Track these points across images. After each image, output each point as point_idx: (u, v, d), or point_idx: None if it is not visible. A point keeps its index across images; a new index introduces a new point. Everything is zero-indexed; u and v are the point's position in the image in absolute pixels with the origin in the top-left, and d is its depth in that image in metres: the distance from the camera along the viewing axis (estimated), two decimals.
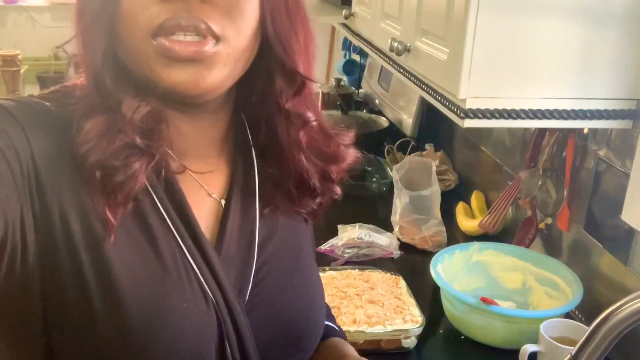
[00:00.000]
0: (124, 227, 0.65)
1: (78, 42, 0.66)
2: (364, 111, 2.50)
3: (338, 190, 0.81)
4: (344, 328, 1.08)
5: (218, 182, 0.75)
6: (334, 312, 1.15)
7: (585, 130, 1.25)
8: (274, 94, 0.71)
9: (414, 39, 1.19)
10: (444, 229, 1.61)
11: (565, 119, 1.01)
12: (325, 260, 1.50)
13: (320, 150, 0.77)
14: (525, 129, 1.50)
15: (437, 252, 1.34)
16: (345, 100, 2.44)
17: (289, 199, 0.77)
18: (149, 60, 0.62)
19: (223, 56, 0.64)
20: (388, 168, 2.00)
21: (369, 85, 2.79)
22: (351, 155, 0.80)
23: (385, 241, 1.57)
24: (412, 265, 1.51)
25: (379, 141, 2.24)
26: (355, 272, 1.37)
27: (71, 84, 0.69)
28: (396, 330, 1.17)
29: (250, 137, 0.78)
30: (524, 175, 1.43)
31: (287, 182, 0.76)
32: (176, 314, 0.65)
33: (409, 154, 2.07)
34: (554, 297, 1.26)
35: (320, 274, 1.26)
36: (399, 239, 1.60)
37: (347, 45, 3.04)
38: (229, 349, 0.69)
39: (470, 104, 0.98)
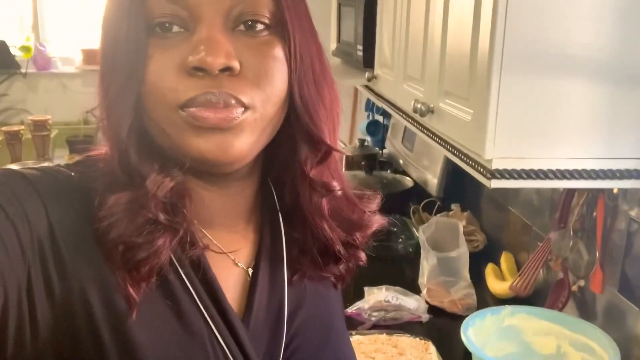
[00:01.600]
0: (149, 303, 0.63)
1: (102, 113, 0.65)
2: (388, 171, 2.50)
3: (363, 256, 0.79)
4: None
5: (245, 250, 0.73)
6: None
7: (615, 190, 1.22)
8: (299, 161, 0.71)
9: (437, 100, 1.19)
10: (473, 291, 1.58)
11: (593, 179, 0.99)
12: (352, 324, 1.47)
13: (344, 219, 0.75)
14: (554, 189, 1.48)
15: (467, 315, 1.30)
16: (369, 161, 2.44)
17: (315, 264, 0.75)
18: (178, 129, 0.62)
19: (251, 124, 0.63)
20: (414, 228, 1.98)
21: (393, 146, 2.80)
22: (376, 221, 0.78)
23: (413, 304, 1.54)
24: (441, 329, 1.48)
25: (404, 201, 2.23)
26: (383, 337, 1.34)
27: (95, 154, 0.69)
28: None
29: (277, 201, 0.76)
30: (554, 236, 1.40)
31: (312, 248, 0.74)
32: None
33: (435, 214, 2.05)
34: None
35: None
36: (427, 302, 1.57)
37: (370, 106, 3.07)
38: None
39: (496, 165, 0.96)
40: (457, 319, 1.38)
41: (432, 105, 1.22)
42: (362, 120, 3.21)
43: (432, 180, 2.23)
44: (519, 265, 1.69)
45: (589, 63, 0.94)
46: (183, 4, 0.61)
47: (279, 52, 0.65)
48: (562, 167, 0.98)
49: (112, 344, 0.61)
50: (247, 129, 0.63)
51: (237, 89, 0.62)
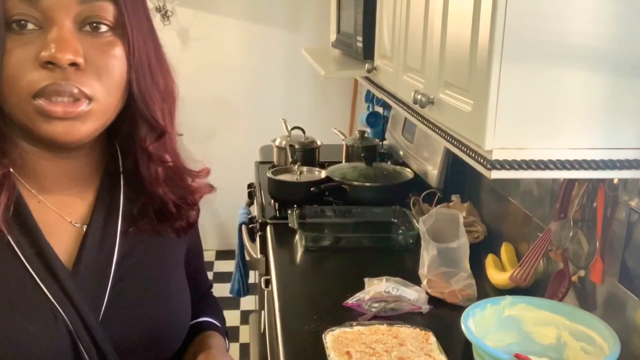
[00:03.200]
0: None
1: None
2: (389, 163, 2.50)
3: (194, 215, 0.96)
4: None
5: (81, 210, 0.88)
6: None
7: (615, 181, 1.22)
8: (139, 137, 0.87)
9: (437, 91, 1.19)
10: (473, 282, 1.58)
11: (593, 169, 0.99)
12: (352, 315, 1.48)
13: (177, 185, 0.93)
14: (554, 180, 1.48)
15: (467, 306, 1.31)
16: (370, 152, 2.44)
17: (152, 221, 0.91)
18: (30, 116, 0.76)
19: (94, 112, 0.78)
20: (414, 220, 1.98)
21: (393, 137, 2.80)
22: (204, 188, 0.97)
23: (413, 295, 1.54)
24: (441, 320, 1.48)
25: (405, 193, 2.23)
26: (384, 328, 1.35)
27: None
28: None
29: (121, 164, 0.92)
30: (554, 226, 1.40)
31: (148, 207, 0.90)
32: (21, 337, 0.75)
33: (435, 205, 2.05)
34: (590, 352, 1.21)
35: (347, 329, 1.24)
36: (427, 293, 1.57)
37: (370, 97, 3.07)
38: None
39: (496, 155, 0.97)
40: (458, 310, 1.38)
41: (432, 97, 1.21)
42: (362, 111, 3.21)
43: (432, 171, 2.23)
44: (519, 256, 1.69)
45: (589, 53, 0.94)
46: (37, 6, 0.73)
47: (119, 50, 0.79)
48: (562, 158, 0.98)
49: None
50: (91, 117, 0.78)
51: (81, 81, 0.76)
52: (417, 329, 1.34)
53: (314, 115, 3.93)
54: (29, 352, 0.76)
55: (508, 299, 1.33)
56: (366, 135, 2.64)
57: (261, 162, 2.78)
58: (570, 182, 1.36)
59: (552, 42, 0.93)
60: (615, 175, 1.02)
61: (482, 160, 1.00)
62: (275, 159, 2.63)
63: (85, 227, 0.86)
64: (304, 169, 2.39)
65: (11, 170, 0.81)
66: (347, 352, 1.25)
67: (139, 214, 0.90)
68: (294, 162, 2.41)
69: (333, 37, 2.30)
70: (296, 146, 2.54)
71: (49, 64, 0.74)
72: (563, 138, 0.97)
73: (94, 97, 0.77)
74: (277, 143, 2.61)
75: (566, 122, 0.96)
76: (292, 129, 2.66)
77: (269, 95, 4.08)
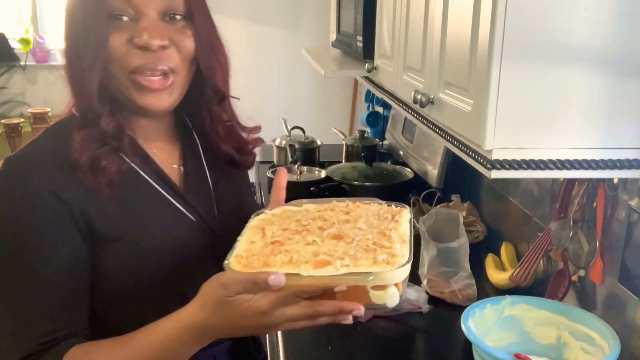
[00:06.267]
0: (124, 191, 1.00)
1: (74, 75, 1.01)
2: (389, 162, 2.49)
3: (250, 159, 1.23)
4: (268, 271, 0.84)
5: (175, 155, 1.15)
6: (274, 248, 0.91)
7: (615, 180, 1.22)
8: (204, 102, 1.12)
9: (437, 91, 1.19)
10: (473, 282, 1.58)
11: (593, 168, 0.99)
12: None
13: (235, 138, 1.19)
14: (554, 179, 1.48)
15: (467, 305, 1.31)
16: (369, 152, 2.44)
17: (224, 160, 1.19)
18: (129, 89, 1.00)
19: (177, 84, 1.04)
20: (414, 219, 1.98)
21: (393, 137, 2.80)
22: (256, 141, 1.24)
23: (413, 295, 1.54)
24: (441, 319, 1.48)
25: (404, 192, 2.23)
26: (342, 205, 1.06)
27: (59, 121, 1.08)
28: (352, 274, 0.80)
29: (191, 126, 1.18)
30: (554, 226, 1.40)
31: (217, 154, 1.17)
32: (158, 225, 1.04)
33: (435, 205, 2.05)
34: (590, 352, 1.21)
35: (295, 208, 1.07)
36: (427, 293, 1.57)
37: (370, 97, 3.06)
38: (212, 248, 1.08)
39: (496, 155, 0.96)
40: (458, 310, 1.38)
41: (432, 96, 1.21)
42: (362, 111, 3.21)
43: (432, 171, 2.23)
44: (519, 256, 1.69)
45: (589, 53, 0.94)
46: (131, 3, 0.97)
47: (190, 32, 1.03)
48: (562, 157, 0.98)
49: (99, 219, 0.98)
50: (176, 88, 1.04)
51: (167, 58, 1.00)
52: (392, 206, 1.07)
53: (314, 115, 3.93)
54: (170, 235, 1.04)
55: (508, 298, 1.33)
56: (366, 135, 2.64)
57: (261, 162, 2.77)
58: (570, 182, 1.36)
59: (552, 42, 0.93)
60: (615, 175, 1.02)
61: (482, 160, 1.00)
62: (275, 159, 2.63)
63: (182, 168, 1.14)
64: (304, 168, 2.39)
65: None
66: (262, 230, 0.97)
67: (214, 157, 1.17)
68: (294, 162, 2.41)
69: (333, 37, 2.30)
70: (296, 146, 2.54)
71: (142, 49, 0.98)
72: (563, 138, 0.97)
73: (176, 70, 1.02)
74: (277, 143, 2.61)
75: (566, 122, 0.96)
76: (292, 128, 2.66)
77: (269, 95, 4.08)
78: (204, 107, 1.13)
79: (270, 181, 2.27)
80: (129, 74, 0.99)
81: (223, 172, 1.19)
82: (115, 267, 1.00)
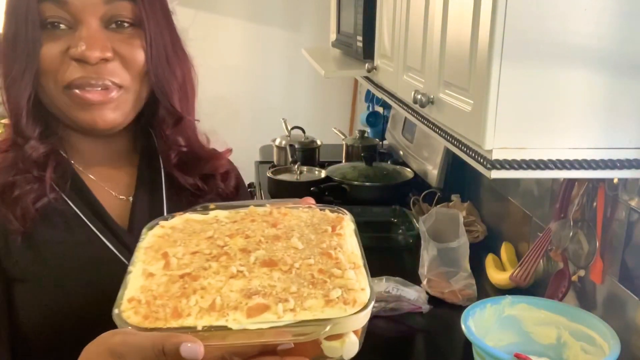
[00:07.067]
0: (42, 226, 0.87)
1: (6, 89, 0.88)
2: (389, 162, 2.49)
3: (221, 184, 1.04)
4: (187, 323, 0.58)
5: (124, 184, 0.98)
6: (184, 283, 0.64)
7: (615, 181, 1.22)
8: (157, 122, 0.98)
9: (437, 91, 1.19)
10: (473, 281, 1.58)
11: (593, 169, 0.99)
12: None
13: (194, 166, 1.01)
14: (554, 179, 1.48)
15: (467, 305, 1.31)
16: (369, 152, 2.44)
17: (192, 192, 1.00)
18: (65, 104, 0.87)
19: (124, 99, 0.89)
20: (414, 219, 1.98)
21: (393, 137, 2.80)
22: (224, 165, 1.05)
23: (413, 295, 1.54)
24: (441, 319, 1.48)
25: (404, 192, 2.23)
26: (262, 211, 0.81)
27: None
28: (302, 323, 0.58)
29: (156, 142, 1.00)
30: (554, 226, 1.40)
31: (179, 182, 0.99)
32: (93, 280, 0.88)
33: (435, 205, 2.05)
34: (590, 352, 1.21)
35: (200, 216, 0.80)
36: (427, 293, 1.57)
37: (370, 97, 3.06)
38: None
39: (496, 155, 0.96)
40: (458, 310, 1.38)
41: (432, 96, 1.21)
42: (362, 111, 3.21)
43: (432, 171, 2.23)
44: (519, 256, 1.69)
45: (590, 52, 0.94)
46: (67, 9, 0.84)
47: (139, 42, 0.89)
48: (562, 157, 0.98)
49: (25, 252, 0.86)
50: (122, 104, 0.89)
51: (110, 72, 0.86)
52: (326, 211, 0.82)
53: (314, 115, 3.93)
54: (93, 281, 0.88)
55: (508, 298, 1.33)
56: (366, 135, 2.64)
57: (261, 162, 2.78)
58: (570, 182, 1.36)
59: (552, 42, 0.93)
60: (615, 175, 1.02)
61: (482, 160, 1.00)
62: (275, 159, 2.63)
63: (131, 199, 0.97)
64: (304, 168, 2.39)
65: (60, 151, 0.93)
66: (164, 255, 0.70)
67: (180, 187, 1.00)
68: (294, 162, 2.41)
69: (333, 37, 2.30)
70: (296, 146, 2.54)
71: (79, 61, 0.84)
72: (563, 138, 0.97)
73: (124, 85, 0.88)
74: (277, 143, 2.61)
75: (566, 122, 0.96)
76: (292, 128, 2.65)
77: (269, 95, 4.08)
78: (157, 128, 0.98)
79: (271, 181, 2.28)
80: (64, 89, 0.86)
81: (189, 204, 0.92)
82: (26, 309, 0.87)
